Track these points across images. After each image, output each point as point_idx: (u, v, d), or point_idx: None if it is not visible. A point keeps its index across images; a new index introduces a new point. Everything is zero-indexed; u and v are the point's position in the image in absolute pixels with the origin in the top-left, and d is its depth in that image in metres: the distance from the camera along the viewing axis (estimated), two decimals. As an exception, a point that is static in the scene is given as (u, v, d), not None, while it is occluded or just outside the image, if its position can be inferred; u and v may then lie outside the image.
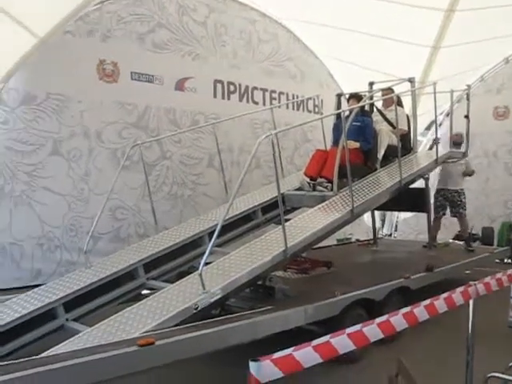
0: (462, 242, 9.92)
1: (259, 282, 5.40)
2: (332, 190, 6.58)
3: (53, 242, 7.16)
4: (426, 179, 8.65)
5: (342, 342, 2.96)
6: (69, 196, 7.32)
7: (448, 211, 9.69)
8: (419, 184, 8.54)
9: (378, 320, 3.22)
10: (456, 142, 9.22)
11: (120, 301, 5.23)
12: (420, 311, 3.49)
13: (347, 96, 8.04)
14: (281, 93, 10.21)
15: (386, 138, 7.78)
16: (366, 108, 7.97)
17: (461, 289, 3.99)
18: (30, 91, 6.84)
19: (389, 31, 9.79)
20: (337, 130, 7.49)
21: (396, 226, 13.15)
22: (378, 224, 11.79)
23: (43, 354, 3.57)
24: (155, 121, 8.22)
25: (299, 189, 7.05)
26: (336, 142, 7.27)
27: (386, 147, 7.74)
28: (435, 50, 10.70)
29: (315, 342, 2.82)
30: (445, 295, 3.80)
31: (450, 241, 10.46)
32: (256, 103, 9.74)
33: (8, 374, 2.95)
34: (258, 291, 5.52)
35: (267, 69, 9.92)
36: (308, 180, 6.98)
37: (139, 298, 5.17)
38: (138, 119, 8.02)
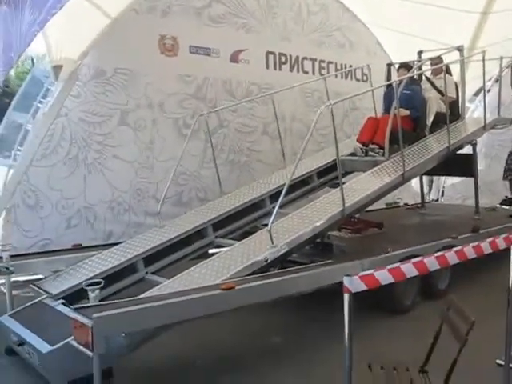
0: (509, 207, 10.09)
1: (318, 240, 5.91)
2: (383, 155, 6.97)
3: (122, 206, 7.71)
4: (474, 145, 8.85)
5: (408, 268, 3.59)
6: (135, 163, 7.82)
7: None
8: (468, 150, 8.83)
9: (436, 254, 3.87)
10: None
11: (192, 257, 5.78)
12: (468, 250, 4.08)
13: (397, 66, 8.33)
14: (329, 62, 10.46)
15: (435, 105, 8.07)
16: (415, 77, 8.24)
17: (504, 235, 4.48)
18: (99, 66, 7.30)
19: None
20: (387, 98, 7.81)
21: (443, 191, 13.33)
22: (425, 189, 12.10)
23: (141, 296, 4.14)
24: (213, 91, 8.62)
25: (352, 154, 7.44)
26: (387, 109, 7.60)
27: (434, 114, 8.05)
28: (484, 15, 10.78)
29: (389, 266, 3.46)
30: (490, 239, 4.35)
31: (497, 205, 10.65)
32: (306, 73, 10.03)
33: (119, 308, 3.53)
34: (317, 248, 6.06)
35: (317, 39, 10.18)
36: (360, 146, 7.36)
37: (207, 255, 5.70)
38: (196, 90, 8.43)
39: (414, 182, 10.90)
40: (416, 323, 5.78)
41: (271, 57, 9.48)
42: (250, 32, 9.05)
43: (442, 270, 7.01)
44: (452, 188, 12.93)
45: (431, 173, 10.45)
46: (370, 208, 7.59)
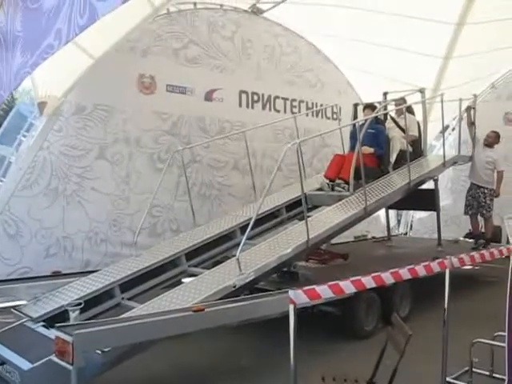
0: (471, 240, 10.51)
1: (285, 269, 6.31)
2: (349, 190, 7.40)
3: (99, 236, 7.99)
4: (436, 180, 9.34)
5: (346, 284, 4.04)
6: (112, 195, 8.14)
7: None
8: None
9: (373, 274, 4.25)
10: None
11: (165, 284, 6.09)
12: (404, 272, 4.58)
13: (363, 106, 8.85)
14: (301, 101, 10.96)
15: (398, 143, 8.59)
16: (380, 117, 8.75)
17: (439, 260, 4.95)
18: (81, 103, 7.69)
19: (404, 43, 10.54)
20: (353, 136, 8.21)
21: (411, 225, 13.79)
22: (394, 223, 12.59)
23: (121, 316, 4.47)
24: (187, 128, 9.02)
25: (319, 189, 7.88)
26: (353, 147, 8.04)
27: (397, 152, 8.55)
28: (446, 60, 11.45)
29: (329, 283, 3.88)
30: (425, 263, 4.78)
31: (461, 238, 11.11)
32: (278, 111, 10.52)
33: (98, 326, 3.86)
34: (283, 276, 6.46)
35: (288, 79, 10.68)
36: (327, 181, 7.81)
37: (180, 283, 6.02)
38: (171, 127, 8.82)
39: (383, 216, 11.36)
40: (375, 346, 6.12)
41: (244, 96, 9.95)
42: (224, 72, 9.52)
43: (403, 299, 7.48)
44: (420, 222, 13.40)
45: (397, 207, 10.99)
46: (338, 240, 8.08)
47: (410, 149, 8.58)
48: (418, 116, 9.47)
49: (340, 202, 7.17)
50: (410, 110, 9.11)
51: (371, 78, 11.40)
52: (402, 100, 8.98)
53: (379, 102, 9.02)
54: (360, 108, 9.23)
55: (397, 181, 7.97)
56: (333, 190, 7.75)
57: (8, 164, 7.51)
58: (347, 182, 7.50)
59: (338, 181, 7.78)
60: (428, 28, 10.17)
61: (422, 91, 9.11)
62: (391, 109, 9.21)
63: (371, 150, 8.03)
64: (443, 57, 11.36)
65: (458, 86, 11.11)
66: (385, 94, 9.75)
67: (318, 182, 8.10)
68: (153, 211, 8.45)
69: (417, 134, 9.19)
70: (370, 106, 8.56)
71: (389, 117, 9.26)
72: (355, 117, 9.41)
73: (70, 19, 4.71)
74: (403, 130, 8.75)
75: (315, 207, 7.80)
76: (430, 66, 11.55)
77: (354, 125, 8.36)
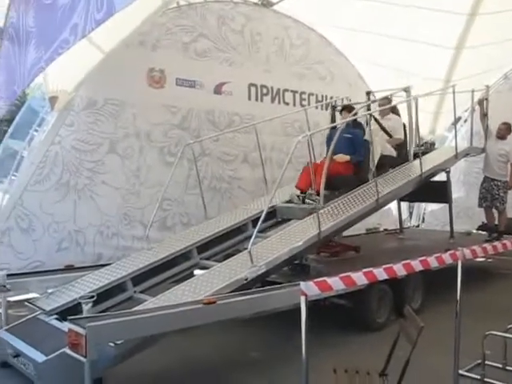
0: (484, 232, 10.45)
1: (296, 262, 6.31)
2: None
3: (110, 230, 8.02)
4: (448, 172, 9.29)
5: (358, 276, 4.01)
6: (123, 189, 8.16)
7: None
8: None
9: (384, 266, 4.24)
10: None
11: (177, 277, 6.10)
12: (416, 263, 4.56)
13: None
14: (310, 94, 10.91)
15: (379, 148, 7.80)
16: (362, 119, 8.22)
17: (451, 251, 4.93)
18: (92, 97, 7.72)
19: (416, 34, 10.46)
20: (330, 141, 7.34)
21: (423, 217, 13.74)
22: (406, 215, 12.53)
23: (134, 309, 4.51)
24: (196, 121, 9.03)
25: (289, 201, 7.24)
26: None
27: (379, 156, 7.70)
28: (459, 51, 11.37)
29: (341, 274, 3.89)
30: (437, 254, 4.77)
31: (473, 231, 11.05)
32: (287, 104, 10.48)
33: (111, 319, 3.89)
34: (295, 269, 6.46)
35: (298, 72, 10.63)
36: (298, 193, 7.19)
37: (192, 276, 6.03)
38: (181, 121, 8.83)
39: (395, 209, 11.30)
40: (387, 338, 6.10)
41: (253, 89, 9.92)
42: (234, 65, 9.50)
43: (415, 291, 7.47)
44: (432, 214, 13.33)
45: (409, 199, 10.95)
46: (349, 233, 8.03)
47: (395, 153, 8.23)
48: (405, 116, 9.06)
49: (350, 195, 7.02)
50: (394, 110, 8.74)
51: (382, 70, 11.33)
52: (387, 100, 8.57)
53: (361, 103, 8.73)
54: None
55: (408, 173, 7.92)
56: (303, 202, 7.01)
57: (20, 159, 7.55)
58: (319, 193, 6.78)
59: (309, 191, 7.03)
60: (440, 19, 10.10)
61: (406, 90, 8.44)
62: (373, 110, 8.63)
63: (347, 157, 7.46)
64: (455, 47, 11.27)
65: (470, 77, 11.01)
66: (368, 93, 9.55)
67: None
68: (163, 205, 8.39)
69: (402, 136, 8.63)
70: (347, 108, 7.97)
71: (373, 118, 8.42)
72: (333, 120, 8.85)
73: (86, 14, 4.71)
74: (387, 133, 8.35)
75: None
76: (442, 57, 11.48)
77: (334, 127, 7.77)
